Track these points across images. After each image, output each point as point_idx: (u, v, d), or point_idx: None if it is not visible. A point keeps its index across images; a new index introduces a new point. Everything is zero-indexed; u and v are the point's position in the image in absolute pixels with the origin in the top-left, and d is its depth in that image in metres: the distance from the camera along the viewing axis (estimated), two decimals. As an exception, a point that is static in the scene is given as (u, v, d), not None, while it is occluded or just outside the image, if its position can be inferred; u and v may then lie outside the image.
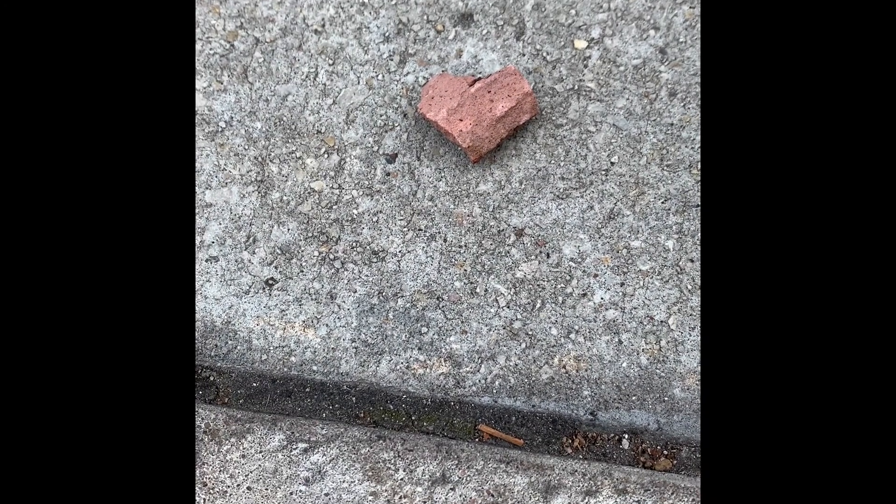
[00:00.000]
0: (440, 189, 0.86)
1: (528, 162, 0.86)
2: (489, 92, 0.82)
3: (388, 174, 0.87)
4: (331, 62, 0.86)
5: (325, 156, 0.87)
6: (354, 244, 0.87)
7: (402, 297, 0.87)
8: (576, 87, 0.84)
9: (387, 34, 0.86)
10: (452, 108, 0.81)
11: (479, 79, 0.83)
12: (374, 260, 0.87)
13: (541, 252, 0.85)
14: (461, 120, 0.81)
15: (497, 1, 0.84)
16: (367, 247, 0.87)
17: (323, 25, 0.86)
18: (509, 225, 0.86)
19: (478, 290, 0.86)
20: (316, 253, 0.87)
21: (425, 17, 0.86)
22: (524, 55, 0.85)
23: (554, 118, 0.85)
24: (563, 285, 0.85)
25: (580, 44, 0.84)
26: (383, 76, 0.86)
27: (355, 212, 0.87)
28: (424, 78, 0.86)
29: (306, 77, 0.87)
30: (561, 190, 0.85)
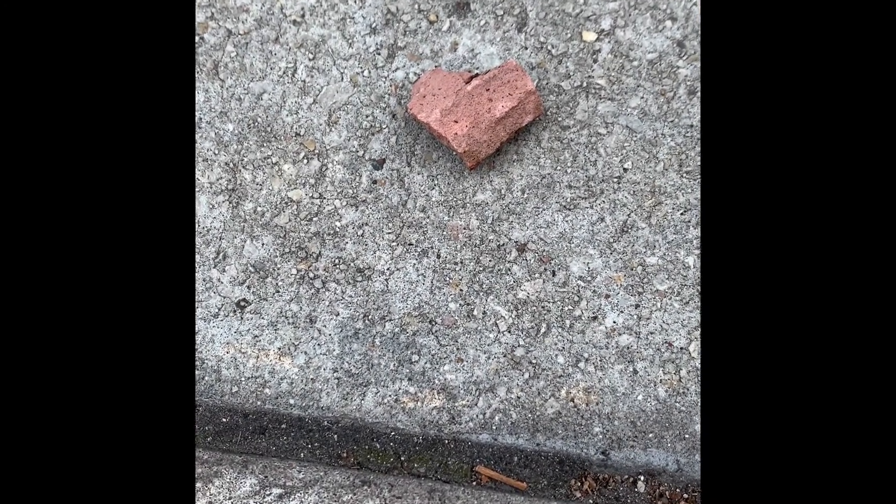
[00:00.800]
0: (433, 199, 0.77)
1: (531, 168, 0.76)
2: (488, 90, 0.73)
3: (374, 182, 0.77)
4: (311, 56, 0.77)
5: (305, 161, 0.78)
6: (337, 261, 0.78)
7: (391, 320, 0.77)
8: (584, 85, 0.76)
9: (373, 25, 0.77)
10: (446, 108, 0.72)
11: (477, 75, 0.74)
12: (359, 279, 0.78)
13: (546, 270, 0.76)
14: (456, 122, 0.72)
15: (496, -11, 0.76)
16: (352, 264, 0.78)
17: (302, 16, 0.77)
18: (510, 239, 0.76)
19: (475, 312, 0.76)
20: (294, 271, 0.78)
21: (416, 7, 0.77)
22: (527, 49, 0.76)
23: (560, 119, 0.76)
24: (570, 307, 0.75)
25: (589, 36, 0.75)
26: (369, 72, 0.77)
27: (338, 224, 0.78)
28: (415, 74, 0.78)
29: (284, 73, 0.78)
30: (568, 200, 0.76)
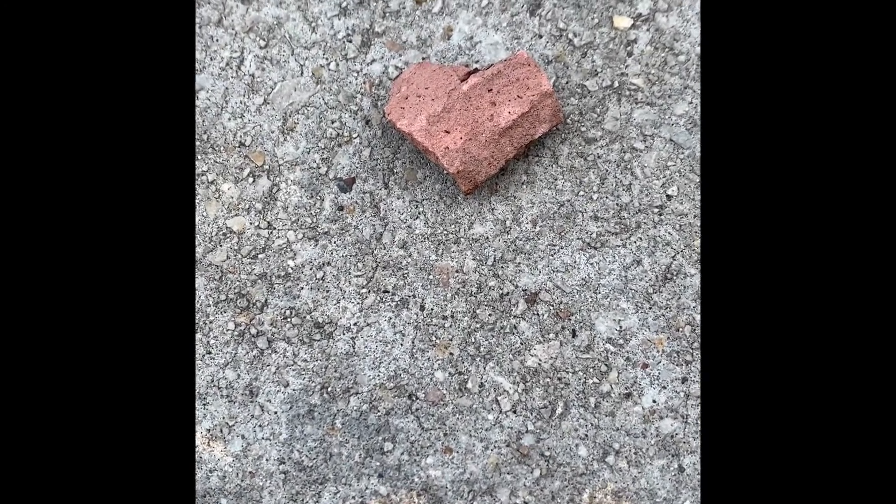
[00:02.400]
0: (417, 231, 0.59)
1: (545, 193, 0.58)
2: (490, 90, 0.55)
3: (340, 208, 0.59)
4: (262, 44, 0.60)
5: (250, 180, 0.60)
6: (288, 313, 0.59)
7: (357, 394, 0.58)
8: (616, 85, 0.58)
9: (343, 4, 0.60)
10: (435, 113, 0.55)
11: (476, 71, 0.57)
12: (317, 337, 0.59)
13: (563, 328, 0.57)
14: (448, 132, 0.54)
15: (502, -40, 0.59)
16: (307, 317, 0.59)
17: (249, -8, 0.60)
18: (517, 286, 0.58)
19: (470, 385, 0.58)
20: (230, 325, 0.59)
21: (397, -19, 0.60)
22: (541, 37, 0.59)
23: (583, 129, 0.58)
24: (596, 380, 0.57)
25: (622, 22, 0.58)
26: (337, 64, 0.60)
27: (291, 264, 0.59)
28: (397, 68, 0.60)
29: (227, 65, 0.60)
30: (593, 235, 0.57)
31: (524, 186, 0.59)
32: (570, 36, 0.60)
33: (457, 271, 0.59)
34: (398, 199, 0.59)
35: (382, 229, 0.59)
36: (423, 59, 0.61)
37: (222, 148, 0.60)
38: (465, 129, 0.55)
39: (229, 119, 0.60)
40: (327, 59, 0.61)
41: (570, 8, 0.59)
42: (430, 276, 0.59)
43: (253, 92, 0.61)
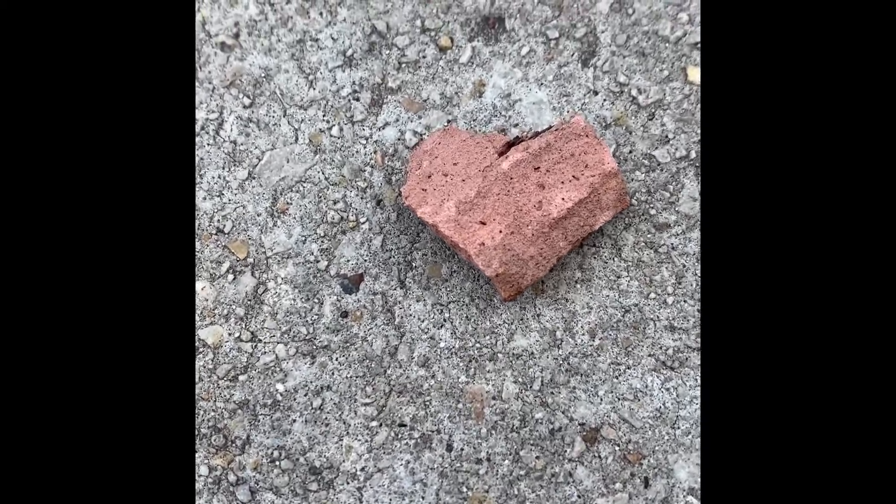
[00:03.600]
0: (442, 345, 0.46)
1: (605, 295, 0.46)
2: (537, 169, 0.43)
3: (344, 315, 0.47)
4: (247, 101, 0.48)
5: (230, 277, 0.47)
6: (277, 454, 0.46)
7: (366, 556, 0.45)
8: (692, 155, 0.46)
9: (349, 52, 0.48)
10: (467, 199, 0.42)
11: (518, 140, 0.44)
12: (314, 486, 0.46)
13: (633, 476, 0.45)
14: (483, 223, 0.42)
15: None
16: (301, 459, 0.46)
17: (236, 35, 0.48)
18: (572, 419, 0.45)
19: (512, 549, 0.45)
20: (203, 470, 0.46)
21: (418, 22, 0.47)
22: (596, 93, 0.47)
23: (653, 213, 0.46)
24: (675, 537, 0.44)
25: (698, 74, 0.46)
26: (341, 129, 0.47)
27: (281, 388, 0.47)
28: (416, 134, 0.48)
29: (202, 129, 0.48)
30: (669, 352, 0.45)
31: (578, 286, 0.46)
32: (634, 92, 0.47)
33: (493, 398, 0.46)
34: (418, 301, 0.47)
35: (398, 342, 0.46)
36: (449, 122, 0.48)
37: (196, 234, 0.47)
38: (506, 219, 0.43)
39: (204, 198, 0.47)
40: (328, 121, 0.48)
41: (633, 57, 0.46)
42: (460, 405, 0.46)
43: (235, 163, 0.48)
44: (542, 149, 0.44)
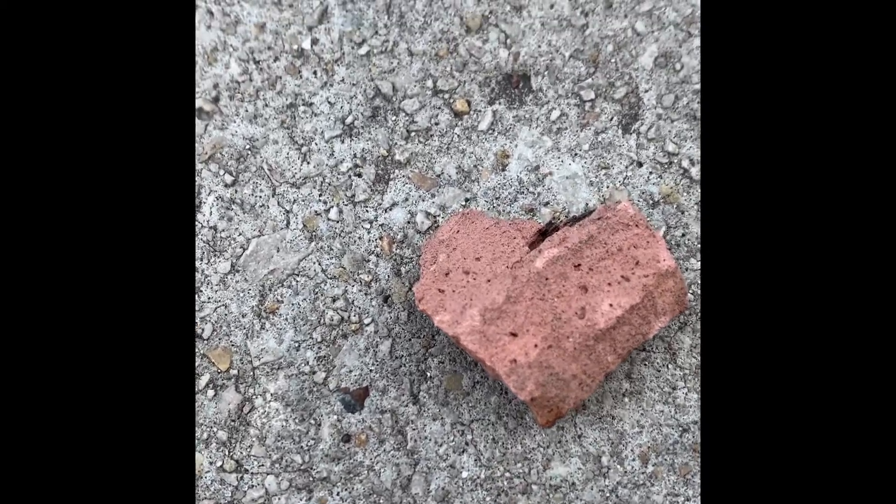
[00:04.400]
0: (464, 475, 0.39)
1: (659, 412, 0.38)
2: (578, 267, 0.35)
3: (346, 439, 0.39)
4: (229, 179, 0.40)
5: (210, 393, 0.40)
6: None
7: None
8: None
9: (349, 120, 0.40)
10: (495, 305, 0.35)
11: (553, 227, 0.37)
12: None
13: None
14: (515, 335, 0.35)
15: (579, 49, 0.39)
16: None
17: (216, 99, 0.40)
18: (624, 564, 0.38)
19: None
20: None
21: (430, 82, 0.40)
22: (640, 165, 0.39)
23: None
24: None
25: (785, 156, 0.38)
26: (341, 211, 0.40)
27: (271, 527, 0.39)
28: (429, 217, 0.40)
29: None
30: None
31: (626, 399, 0.39)
32: (685, 163, 0.39)
33: (529, 541, 0.38)
34: (434, 420, 0.39)
35: (411, 471, 0.39)
36: (467, 201, 0.41)
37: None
38: (543, 330, 0.35)
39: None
40: (325, 202, 0.40)
41: (683, 121, 0.39)
42: (488, 550, 0.38)
43: (215, 253, 0.40)
44: (582, 242, 0.36)
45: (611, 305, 0.35)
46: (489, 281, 0.36)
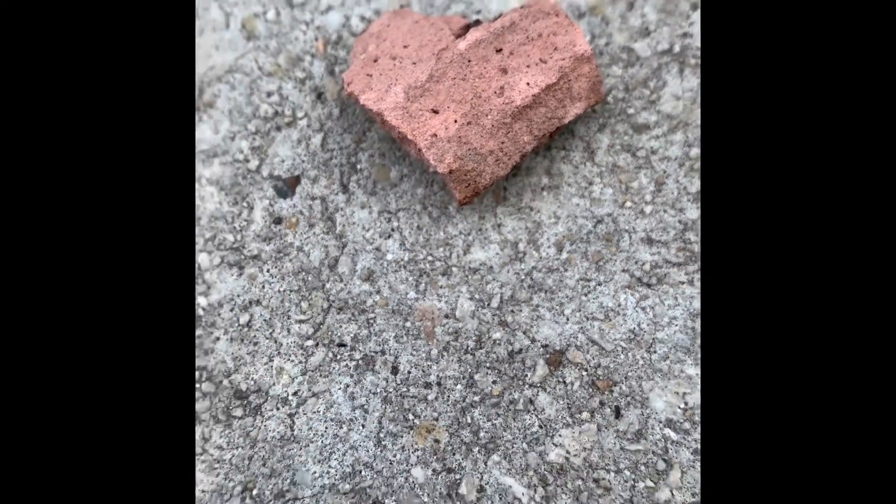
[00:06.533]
0: (389, 257, 0.41)
1: (575, 203, 0.41)
2: (499, 51, 0.37)
3: (278, 221, 0.41)
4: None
5: (145, 179, 0.41)
6: (197, 375, 0.41)
7: (297, 499, 0.40)
8: (676, 49, 0.40)
9: (279, -81, 0.41)
10: (418, 83, 0.37)
11: (478, 23, 0.38)
12: (239, 412, 0.40)
13: (602, 405, 0.40)
14: (436, 111, 0.36)
15: None
16: (224, 381, 0.41)
17: None
18: (534, 340, 0.40)
19: (463, 489, 0.39)
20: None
21: None
22: None
23: (631, 112, 0.41)
24: (650, 483, 0.39)
25: (698, -47, 0.41)
26: (278, 13, 0.41)
27: (203, 302, 0.41)
28: (363, 20, 0.42)
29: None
30: (647, 267, 0.40)
31: (545, 193, 0.41)
32: (616, -25, 0.41)
33: (446, 316, 0.40)
34: (362, 208, 0.41)
35: (338, 253, 0.41)
36: (402, 7, 0.42)
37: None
38: (463, 107, 0.37)
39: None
40: (264, 4, 0.42)
41: (619, -70, 0.41)
42: (408, 324, 0.40)
43: (153, 49, 0.42)
44: (505, 28, 0.38)
45: (528, 84, 0.37)
46: (414, 64, 0.38)
